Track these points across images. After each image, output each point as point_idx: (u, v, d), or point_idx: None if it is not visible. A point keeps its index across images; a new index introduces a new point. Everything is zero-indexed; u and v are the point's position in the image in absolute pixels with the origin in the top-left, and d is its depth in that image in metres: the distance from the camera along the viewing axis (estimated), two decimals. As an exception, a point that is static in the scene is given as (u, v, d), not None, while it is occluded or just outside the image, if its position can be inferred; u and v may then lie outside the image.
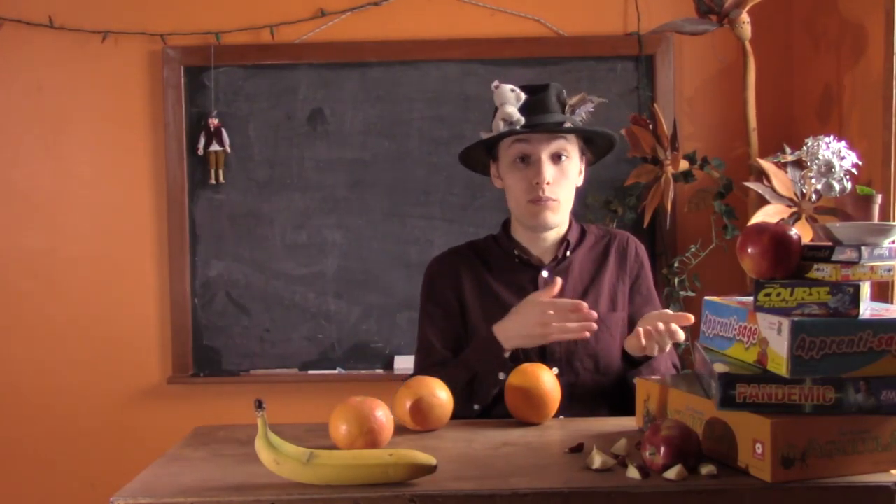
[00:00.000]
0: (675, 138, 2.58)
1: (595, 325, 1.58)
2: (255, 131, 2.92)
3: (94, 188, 2.96)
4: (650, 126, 2.61)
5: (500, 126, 1.71)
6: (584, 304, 1.59)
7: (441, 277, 1.83)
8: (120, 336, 2.97)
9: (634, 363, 1.68)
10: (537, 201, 1.71)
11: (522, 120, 1.70)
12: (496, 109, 1.74)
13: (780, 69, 2.86)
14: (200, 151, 2.89)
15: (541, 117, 1.71)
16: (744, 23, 2.51)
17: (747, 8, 2.50)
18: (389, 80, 2.91)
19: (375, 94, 2.91)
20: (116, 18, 2.90)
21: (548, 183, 1.70)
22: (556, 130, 1.71)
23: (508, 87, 1.72)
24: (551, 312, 1.59)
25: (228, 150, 2.89)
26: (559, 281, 1.62)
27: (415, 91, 2.91)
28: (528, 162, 1.72)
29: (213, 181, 2.89)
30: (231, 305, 2.96)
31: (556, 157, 1.72)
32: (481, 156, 1.84)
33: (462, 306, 1.79)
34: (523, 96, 1.72)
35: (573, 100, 1.76)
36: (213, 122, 2.87)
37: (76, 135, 2.96)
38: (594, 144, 1.82)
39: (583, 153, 1.79)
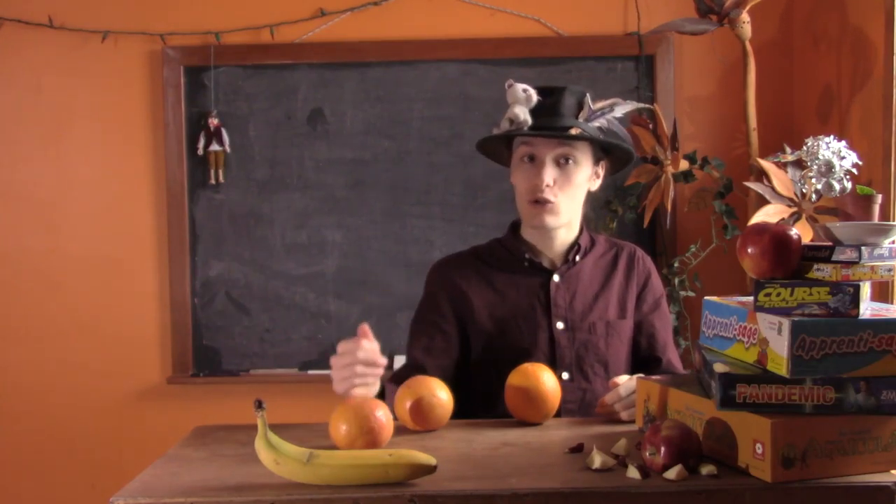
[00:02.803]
0: (675, 138, 2.58)
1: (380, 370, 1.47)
2: (255, 131, 2.92)
3: (94, 188, 2.96)
4: (650, 126, 2.61)
5: (505, 125, 1.69)
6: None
7: (439, 287, 1.81)
8: (120, 336, 2.97)
9: None
10: (536, 203, 1.70)
11: (529, 121, 1.68)
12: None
13: (780, 69, 2.86)
14: (200, 151, 2.89)
15: (549, 120, 1.68)
16: (744, 23, 2.51)
17: (747, 8, 2.50)
18: (389, 80, 2.91)
19: (375, 94, 2.91)
20: (116, 18, 2.90)
21: (547, 185, 1.68)
22: (553, 136, 1.68)
23: (521, 86, 1.69)
24: (351, 365, 1.46)
25: (228, 150, 2.90)
26: (365, 327, 1.49)
27: (415, 91, 2.91)
28: (534, 162, 1.71)
29: (213, 181, 2.89)
30: (231, 305, 2.96)
31: (562, 161, 1.69)
32: (502, 149, 1.82)
33: (462, 314, 1.77)
34: (535, 98, 1.69)
35: (598, 105, 1.73)
36: (213, 122, 2.87)
37: (76, 135, 2.96)
38: (614, 153, 1.78)
39: (598, 159, 1.76)
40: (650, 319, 1.80)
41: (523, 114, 1.68)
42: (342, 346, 1.47)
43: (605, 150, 1.77)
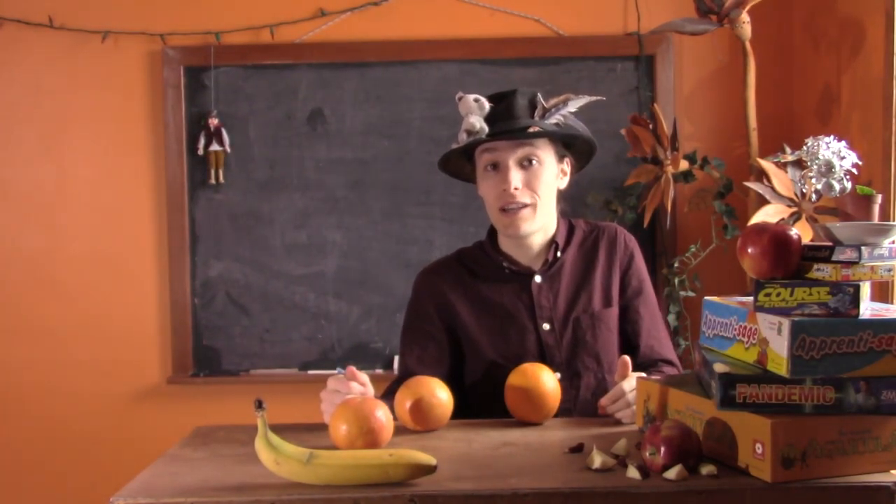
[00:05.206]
0: (675, 138, 2.58)
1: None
2: (255, 131, 2.92)
3: (94, 188, 2.96)
4: (650, 126, 2.61)
5: (463, 137, 1.67)
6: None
7: (426, 296, 1.80)
8: (120, 336, 2.97)
9: None
10: (507, 210, 1.68)
11: (486, 129, 1.66)
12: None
13: (780, 69, 2.85)
14: (200, 151, 2.89)
15: (506, 124, 1.67)
16: (744, 23, 2.51)
17: (747, 8, 2.50)
18: (389, 80, 2.91)
19: (375, 94, 2.91)
20: (116, 18, 2.90)
21: (516, 188, 1.66)
22: (513, 136, 1.66)
23: (472, 97, 1.68)
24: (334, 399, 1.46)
25: (228, 150, 2.89)
26: (353, 369, 1.49)
27: (415, 91, 2.91)
28: (498, 169, 1.69)
29: (212, 181, 2.89)
30: (231, 305, 2.96)
31: (526, 162, 1.68)
32: (465, 165, 1.80)
33: (450, 322, 1.77)
34: (487, 106, 1.67)
35: (552, 101, 1.71)
36: (213, 122, 2.87)
37: (76, 135, 2.96)
38: (575, 147, 1.77)
39: (561, 156, 1.75)
40: (634, 305, 1.78)
41: (479, 122, 1.66)
42: (332, 384, 1.48)
43: (567, 145, 1.75)
